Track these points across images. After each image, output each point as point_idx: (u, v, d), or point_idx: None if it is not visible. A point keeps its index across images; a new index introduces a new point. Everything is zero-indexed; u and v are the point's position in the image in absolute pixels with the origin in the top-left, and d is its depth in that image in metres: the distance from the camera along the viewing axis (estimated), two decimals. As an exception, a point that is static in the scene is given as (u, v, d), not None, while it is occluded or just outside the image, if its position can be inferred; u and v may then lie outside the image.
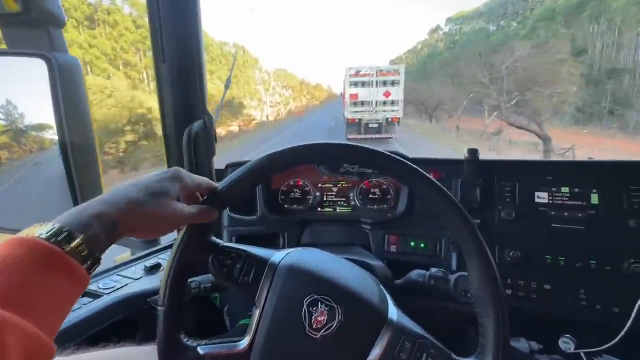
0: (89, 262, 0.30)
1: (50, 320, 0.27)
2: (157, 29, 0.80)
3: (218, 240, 0.45)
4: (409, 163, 0.41)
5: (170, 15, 0.81)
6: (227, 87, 1.04)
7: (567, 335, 0.73)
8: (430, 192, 0.41)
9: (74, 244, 0.29)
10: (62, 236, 0.29)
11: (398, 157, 0.41)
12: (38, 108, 0.76)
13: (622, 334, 0.63)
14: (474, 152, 0.79)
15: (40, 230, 0.29)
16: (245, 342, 0.41)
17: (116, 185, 0.37)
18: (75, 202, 0.77)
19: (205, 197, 0.43)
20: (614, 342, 0.64)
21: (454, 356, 0.40)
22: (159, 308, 0.40)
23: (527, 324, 0.75)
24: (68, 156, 0.74)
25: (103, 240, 0.32)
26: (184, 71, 0.85)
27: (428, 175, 0.41)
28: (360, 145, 0.43)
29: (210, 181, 0.43)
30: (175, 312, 0.41)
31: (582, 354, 0.69)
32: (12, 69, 0.76)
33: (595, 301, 0.68)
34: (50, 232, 0.29)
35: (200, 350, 0.41)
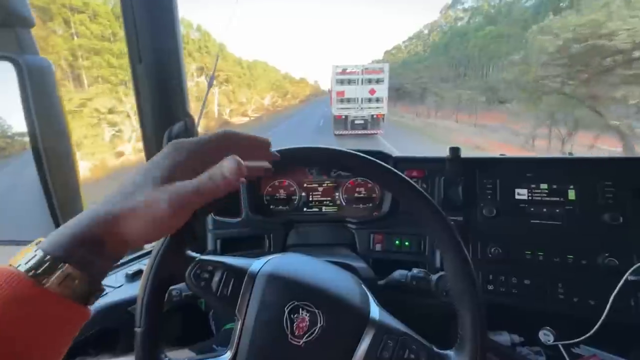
0: (83, 292, 0.26)
1: None
2: (131, 27, 0.77)
3: (194, 254, 0.44)
4: (380, 162, 0.41)
5: (145, 11, 0.78)
6: (210, 85, 1.02)
7: (547, 328, 0.75)
8: (403, 190, 0.41)
9: (55, 276, 0.24)
10: (43, 267, 0.24)
11: (367, 156, 0.41)
12: (10, 113, 0.75)
13: (598, 325, 0.65)
14: (455, 150, 0.79)
15: (23, 258, 0.25)
16: (227, 356, 0.41)
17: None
18: (52, 211, 0.75)
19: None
20: (590, 333, 0.66)
21: (435, 349, 0.41)
22: (136, 329, 0.39)
23: (509, 317, 0.77)
24: (42, 163, 0.72)
25: (97, 264, 0.27)
26: (162, 71, 0.83)
27: (397, 172, 0.41)
28: (323, 146, 0.42)
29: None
30: (154, 331, 0.40)
31: (559, 345, 0.71)
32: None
33: (572, 294, 0.70)
34: (30, 262, 0.24)
35: None
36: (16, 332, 0.23)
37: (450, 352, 0.41)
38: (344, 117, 12.80)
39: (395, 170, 0.41)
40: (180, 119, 0.87)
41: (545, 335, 0.74)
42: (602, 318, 0.65)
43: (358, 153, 0.42)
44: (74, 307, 0.26)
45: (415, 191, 0.40)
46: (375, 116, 12.86)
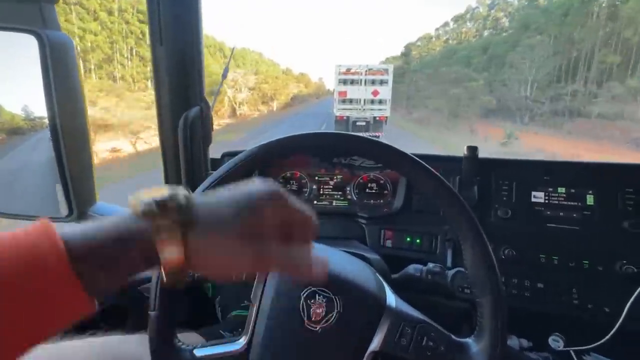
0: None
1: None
2: (154, 9, 0.77)
3: None
4: (400, 150, 0.41)
5: None
6: (224, 76, 1.02)
7: (557, 333, 0.73)
8: (420, 175, 0.40)
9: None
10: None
11: (389, 145, 0.41)
12: (32, 92, 0.76)
13: (612, 332, 0.64)
14: (473, 150, 0.78)
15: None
16: (242, 341, 0.41)
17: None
18: (65, 186, 0.75)
19: None
20: (602, 340, 0.65)
21: (453, 337, 0.40)
22: (151, 313, 0.39)
23: (518, 321, 0.76)
24: (58, 138, 0.72)
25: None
26: (182, 54, 0.82)
27: (419, 160, 0.40)
28: (353, 134, 0.43)
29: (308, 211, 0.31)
30: (168, 315, 0.39)
31: (571, 351, 0.70)
32: (1, 44, 0.73)
33: (586, 300, 0.69)
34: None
35: (197, 353, 0.40)
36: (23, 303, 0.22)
37: (469, 340, 0.40)
38: (345, 117, 12.71)
39: (415, 157, 0.41)
40: (196, 103, 0.87)
41: (555, 341, 0.73)
42: (617, 326, 0.64)
43: (359, 134, 0.42)
44: (86, 298, 0.24)
45: (432, 175, 0.40)
46: (377, 118, 12.79)
